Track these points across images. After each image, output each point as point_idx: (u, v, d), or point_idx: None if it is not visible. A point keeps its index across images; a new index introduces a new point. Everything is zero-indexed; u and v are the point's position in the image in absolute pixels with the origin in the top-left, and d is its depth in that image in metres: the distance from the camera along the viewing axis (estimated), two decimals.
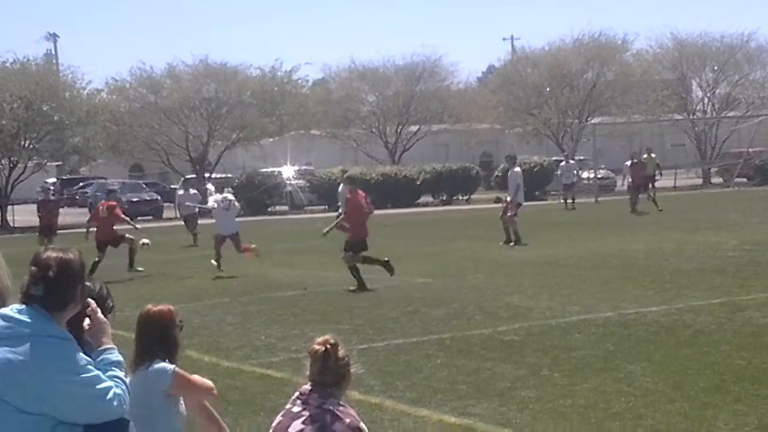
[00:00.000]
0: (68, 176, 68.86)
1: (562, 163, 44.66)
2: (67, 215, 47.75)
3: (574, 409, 8.43)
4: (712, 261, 18.51)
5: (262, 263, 21.46)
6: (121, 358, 4.58)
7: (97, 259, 21.57)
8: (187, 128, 55.16)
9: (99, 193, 47.24)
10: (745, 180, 53.33)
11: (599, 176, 51.74)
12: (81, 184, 62.40)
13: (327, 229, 19.75)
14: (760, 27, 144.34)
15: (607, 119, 61.35)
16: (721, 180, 57.27)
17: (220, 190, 24.65)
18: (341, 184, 25.50)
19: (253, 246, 21.95)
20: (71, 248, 4.56)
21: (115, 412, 4.35)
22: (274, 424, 5.32)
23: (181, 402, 6.18)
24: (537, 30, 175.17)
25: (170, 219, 43.04)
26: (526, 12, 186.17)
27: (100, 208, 23.27)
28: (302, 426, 5.09)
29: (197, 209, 29.07)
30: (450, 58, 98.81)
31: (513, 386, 9.36)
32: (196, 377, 6.30)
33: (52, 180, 69.32)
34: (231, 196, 23.60)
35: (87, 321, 4.61)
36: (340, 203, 25.99)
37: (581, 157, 55.16)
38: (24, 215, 48.20)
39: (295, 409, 5.21)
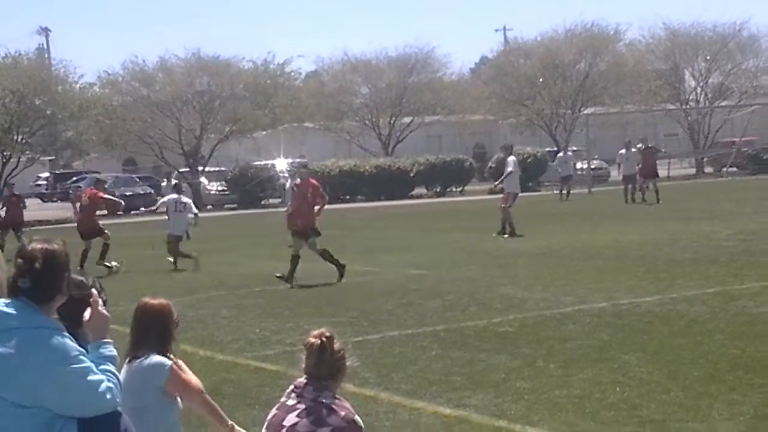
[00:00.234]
0: (61, 170, 68.77)
1: (560, 154, 44.66)
2: (59, 210, 47.76)
3: (569, 399, 8.43)
4: (705, 251, 18.53)
5: (196, 270, 21.04)
6: (115, 353, 4.58)
7: (85, 248, 21.57)
8: (180, 122, 55.09)
9: (81, 186, 47.21)
10: (735, 169, 53.35)
11: (592, 167, 51.74)
12: (74, 178, 62.33)
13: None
14: (752, 16, 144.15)
15: (600, 109, 61.37)
16: (722, 169, 57.31)
17: (177, 190, 24.32)
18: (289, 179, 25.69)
19: (194, 254, 21.68)
20: (55, 239, 4.57)
21: (107, 404, 4.35)
22: (269, 417, 5.32)
23: (178, 395, 6.17)
24: (529, 21, 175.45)
25: (164, 213, 42.86)
26: (519, 3, 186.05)
27: (82, 196, 23.25)
28: (297, 419, 5.09)
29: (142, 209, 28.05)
30: (443, 49, 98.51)
31: (508, 377, 9.36)
32: (190, 377, 6.26)
33: (46, 174, 69.35)
34: (186, 199, 23.66)
35: (87, 312, 4.60)
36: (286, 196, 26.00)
37: (574, 148, 55.20)
38: None
39: (290, 402, 5.21)
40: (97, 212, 23.03)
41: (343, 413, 5.11)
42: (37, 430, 4.25)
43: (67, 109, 49.40)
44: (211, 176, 54.79)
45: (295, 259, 17.79)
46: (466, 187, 53.95)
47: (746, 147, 55.50)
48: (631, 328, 11.38)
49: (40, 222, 42.41)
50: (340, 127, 64.57)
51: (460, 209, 38.64)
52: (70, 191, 57.59)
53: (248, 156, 58.25)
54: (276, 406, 5.33)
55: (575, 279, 15.73)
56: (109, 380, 4.39)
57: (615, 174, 51.62)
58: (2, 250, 16.64)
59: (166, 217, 22.66)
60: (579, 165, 50.55)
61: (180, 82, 56.61)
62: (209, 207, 51.38)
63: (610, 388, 8.71)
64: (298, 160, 57.80)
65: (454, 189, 53.60)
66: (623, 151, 36.09)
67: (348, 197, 50.70)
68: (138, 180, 57.36)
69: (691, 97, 63.86)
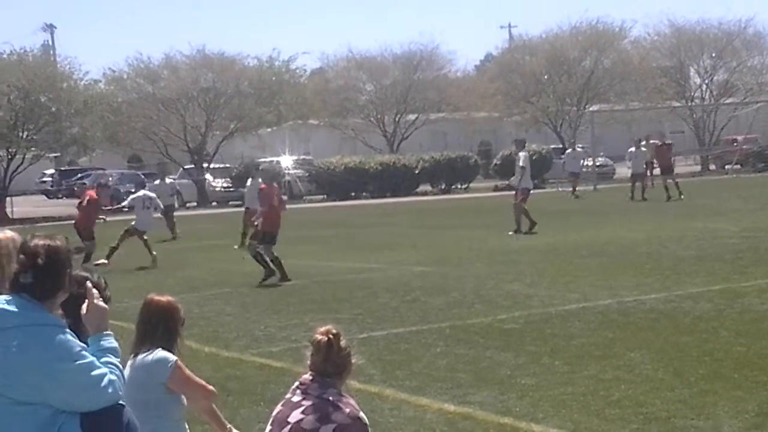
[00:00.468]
0: (67, 167, 68.79)
1: (568, 151, 44.54)
2: (64, 206, 47.79)
3: (574, 396, 8.43)
4: (711, 248, 18.51)
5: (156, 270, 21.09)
6: (116, 345, 4.57)
7: (85, 247, 21.65)
8: (185, 118, 55.10)
9: (86, 183, 47.26)
10: (739, 167, 53.27)
11: (598, 164, 51.67)
12: (80, 175, 62.35)
13: (256, 221, 19.64)
14: (757, 13, 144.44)
15: (605, 107, 61.27)
16: (725, 167, 57.20)
17: (142, 186, 24.97)
18: (251, 178, 25.75)
19: (154, 253, 21.93)
20: (58, 235, 4.56)
21: (110, 398, 4.34)
22: (274, 413, 5.32)
23: (182, 393, 6.19)
24: (534, 17, 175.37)
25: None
26: (523, 0, 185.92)
27: (84, 196, 23.50)
28: (302, 416, 5.09)
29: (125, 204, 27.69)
30: (447, 46, 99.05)
31: (513, 374, 9.36)
32: (197, 379, 6.27)
33: (51, 171, 69.38)
34: (153, 195, 24.47)
35: (84, 305, 4.59)
36: (246, 198, 26.07)
37: (581, 146, 55.16)
38: (23, 206, 48.25)
39: (295, 398, 5.21)
40: (98, 215, 23.09)
41: (348, 410, 5.11)
42: (39, 426, 4.24)
43: (72, 106, 49.36)
44: (216, 173, 54.81)
45: (276, 261, 17.73)
46: (471, 184, 53.92)
47: (747, 144, 55.39)
48: (636, 326, 11.38)
49: (45, 219, 42.46)
50: (345, 124, 64.53)
51: (465, 206, 38.62)
52: (75, 188, 57.73)
53: (253, 153, 58.23)
54: (281, 403, 5.33)
55: (580, 276, 15.72)
56: (111, 373, 4.37)
57: (620, 171, 51.69)
58: None
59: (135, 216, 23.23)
60: (584, 162, 50.50)
61: (185, 78, 56.60)
62: (214, 204, 51.40)
63: (614, 385, 8.71)
64: (302, 157, 57.95)
65: (459, 186, 53.57)
66: (633, 148, 35.96)
67: (353, 194, 50.71)
68: (143, 177, 57.37)
69: (696, 95, 63.78)
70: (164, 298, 6.21)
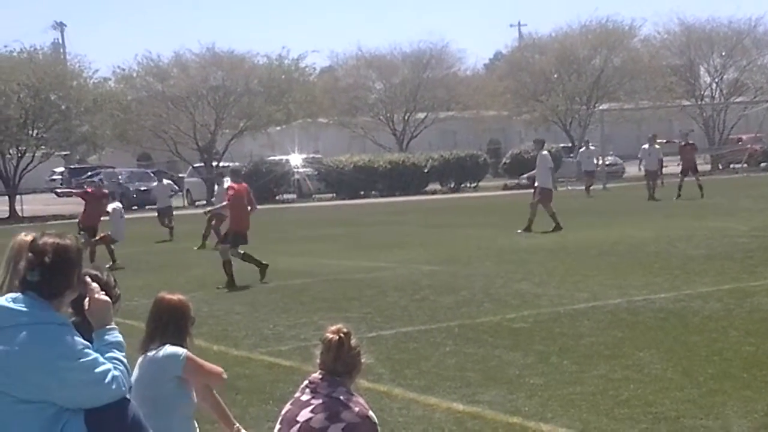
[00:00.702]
0: (76, 165, 68.91)
1: (582, 149, 44.41)
2: (74, 204, 47.86)
3: (583, 396, 8.42)
4: (720, 247, 18.48)
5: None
6: (120, 339, 4.56)
7: (90, 247, 21.70)
8: (194, 117, 55.16)
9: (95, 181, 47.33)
10: (745, 166, 53.13)
11: (607, 162, 51.61)
12: (89, 173, 62.46)
13: (209, 209, 19.54)
14: (767, 12, 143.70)
15: (614, 105, 61.22)
16: (729, 166, 57.13)
17: (115, 198, 25.00)
18: (217, 185, 25.82)
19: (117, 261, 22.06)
20: (68, 234, 4.55)
21: (114, 394, 4.33)
22: (283, 412, 5.34)
23: (193, 390, 6.21)
24: (544, 16, 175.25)
25: (178, 208, 42.98)
26: None
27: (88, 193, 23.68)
28: (311, 414, 5.10)
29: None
30: (457, 44, 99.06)
31: (521, 374, 9.36)
32: (206, 363, 6.34)
33: (61, 169, 69.51)
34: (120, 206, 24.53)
35: (86, 301, 4.58)
36: (215, 199, 26.10)
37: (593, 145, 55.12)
38: (32, 205, 48.35)
39: (304, 397, 5.22)
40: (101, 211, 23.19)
41: (357, 409, 5.11)
42: (43, 424, 4.24)
43: (82, 104, 49.49)
44: (226, 171, 54.84)
45: (245, 256, 17.71)
46: (480, 183, 53.91)
47: (751, 144, 55.27)
48: (645, 325, 11.36)
49: (55, 216, 42.57)
50: (354, 122, 64.58)
51: (474, 205, 38.61)
52: (85, 186, 57.85)
53: (262, 151, 58.29)
54: (290, 402, 5.34)
55: (589, 275, 15.70)
56: (115, 368, 4.37)
57: (630, 170, 51.60)
58: None
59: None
60: (597, 160, 50.46)
61: (194, 77, 56.66)
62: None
63: (623, 385, 8.70)
64: (312, 155, 57.98)
65: (468, 185, 53.56)
66: (646, 145, 35.71)
67: (362, 193, 50.72)
68: (152, 175, 57.46)
69: (706, 93, 63.69)
70: (175, 297, 6.24)
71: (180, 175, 58.35)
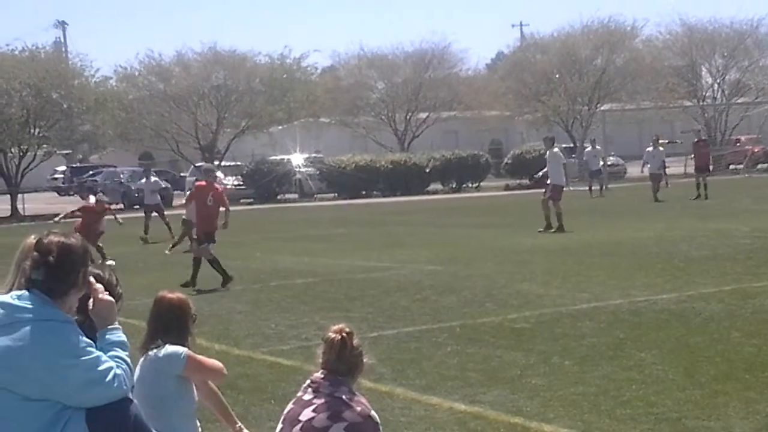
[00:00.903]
0: (78, 164, 68.95)
1: (588, 149, 44.36)
2: (76, 203, 47.83)
3: (585, 396, 8.42)
4: (722, 248, 18.47)
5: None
6: (124, 338, 4.57)
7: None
8: (196, 116, 55.21)
9: (97, 181, 47.44)
10: (741, 167, 53.08)
11: (609, 163, 51.57)
12: (91, 172, 62.51)
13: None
14: None
15: (616, 106, 61.23)
16: (729, 167, 57.06)
17: (92, 192, 25.43)
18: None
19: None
20: (74, 233, 4.56)
21: (116, 393, 4.34)
22: (285, 411, 5.33)
23: (194, 388, 6.22)
24: (546, 16, 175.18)
25: (181, 207, 42.91)
26: None
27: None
28: (313, 414, 5.09)
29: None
30: (459, 44, 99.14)
31: (523, 374, 9.35)
32: (207, 359, 6.34)
33: (62, 168, 69.55)
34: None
35: (91, 300, 4.59)
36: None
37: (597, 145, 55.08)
38: (34, 203, 48.32)
39: (306, 396, 5.22)
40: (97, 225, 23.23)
41: (359, 408, 5.11)
42: (45, 422, 4.25)
43: (84, 103, 49.49)
44: (227, 171, 54.92)
45: (215, 262, 17.61)
46: (482, 183, 53.90)
47: (750, 145, 55.23)
48: (647, 326, 11.35)
49: (57, 215, 42.50)
50: (356, 122, 64.63)
51: (476, 205, 38.60)
52: (86, 184, 57.87)
53: (264, 151, 58.33)
54: (292, 401, 5.34)
55: (591, 276, 15.69)
56: (118, 367, 4.37)
57: (631, 171, 51.55)
58: None
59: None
60: (602, 160, 50.42)
61: (196, 76, 56.71)
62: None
63: (625, 385, 8.69)
64: (314, 155, 58.00)
65: (470, 185, 53.56)
66: (650, 147, 35.58)
67: (364, 192, 50.73)
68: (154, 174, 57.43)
69: (707, 94, 63.69)
70: (176, 296, 6.24)
71: (182, 174, 58.35)
